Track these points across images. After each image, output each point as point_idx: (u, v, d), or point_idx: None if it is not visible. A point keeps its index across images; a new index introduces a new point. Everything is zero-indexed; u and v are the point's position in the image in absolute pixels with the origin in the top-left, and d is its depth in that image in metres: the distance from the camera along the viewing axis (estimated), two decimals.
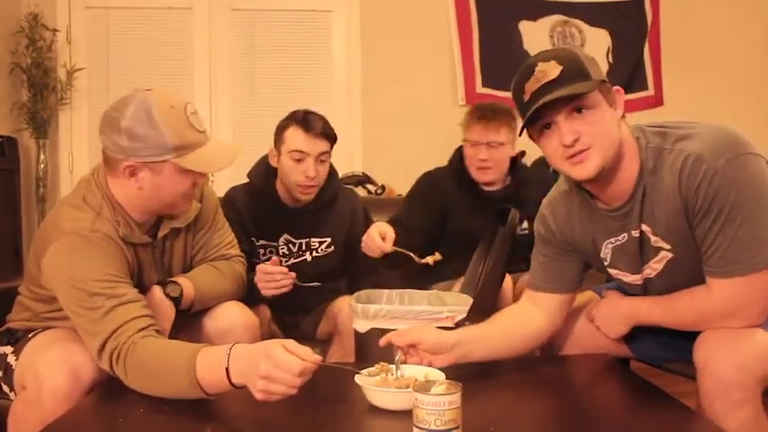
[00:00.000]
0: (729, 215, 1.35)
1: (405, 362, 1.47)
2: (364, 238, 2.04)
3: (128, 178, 1.53)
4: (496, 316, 1.71)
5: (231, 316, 1.77)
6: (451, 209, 2.46)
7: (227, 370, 1.27)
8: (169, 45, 3.88)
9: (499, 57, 3.99)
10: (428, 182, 2.53)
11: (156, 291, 1.67)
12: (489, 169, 2.43)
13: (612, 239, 1.55)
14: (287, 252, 2.27)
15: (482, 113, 2.44)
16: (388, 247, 1.98)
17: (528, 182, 2.51)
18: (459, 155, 2.54)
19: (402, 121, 3.88)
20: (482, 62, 3.99)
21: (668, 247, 1.47)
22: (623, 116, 1.45)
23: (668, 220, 1.43)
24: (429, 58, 3.95)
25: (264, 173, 2.27)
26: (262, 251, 2.25)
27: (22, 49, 3.60)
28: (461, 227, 2.42)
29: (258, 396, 1.24)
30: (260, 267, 1.96)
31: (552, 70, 1.39)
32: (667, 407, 1.36)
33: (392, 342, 1.50)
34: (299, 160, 2.14)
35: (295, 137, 2.15)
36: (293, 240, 2.27)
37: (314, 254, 2.30)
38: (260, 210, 2.24)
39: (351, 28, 3.94)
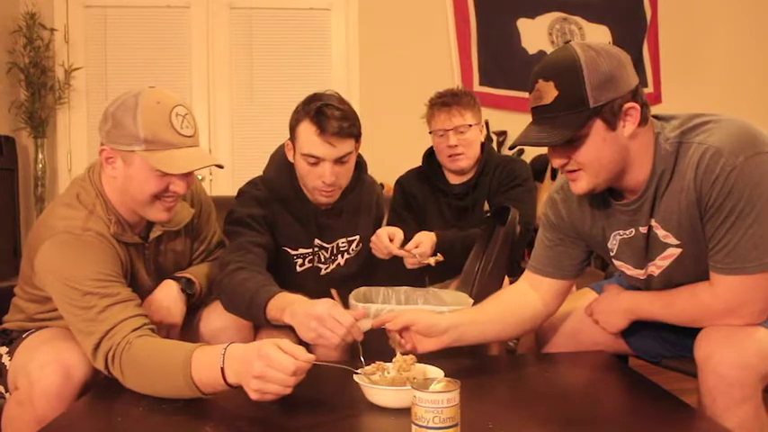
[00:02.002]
0: (742, 212, 1.34)
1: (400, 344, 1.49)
2: (373, 238, 2.00)
3: (105, 164, 1.54)
4: (492, 298, 1.71)
5: (223, 317, 1.76)
6: (423, 212, 2.43)
7: (222, 370, 1.27)
8: (167, 43, 3.88)
9: (497, 55, 4.00)
10: (401, 189, 2.48)
11: (173, 285, 1.68)
12: (461, 155, 2.33)
13: (621, 231, 1.54)
14: (324, 258, 2.05)
15: (443, 100, 2.35)
16: (395, 249, 1.96)
17: (490, 171, 2.40)
18: (427, 154, 2.50)
19: (400, 119, 3.86)
20: (480, 60, 4.00)
21: (677, 242, 1.46)
22: (640, 123, 1.39)
23: (681, 214, 1.42)
24: (427, 56, 3.96)
25: (285, 171, 1.98)
26: (300, 261, 2.01)
27: (20, 49, 3.60)
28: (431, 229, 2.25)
29: (252, 396, 1.24)
30: (330, 311, 1.47)
31: (548, 93, 1.36)
32: (667, 404, 1.36)
33: (386, 327, 1.50)
34: (313, 164, 1.84)
35: (307, 137, 1.82)
36: (325, 245, 2.04)
37: (345, 256, 2.08)
38: (289, 214, 1.99)
39: (349, 26, 3.95)
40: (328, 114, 1.79)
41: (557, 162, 1.43)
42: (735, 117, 1.42)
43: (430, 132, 2.41)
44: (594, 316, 1.67)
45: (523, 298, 1.68)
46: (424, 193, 2.44)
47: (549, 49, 4.06)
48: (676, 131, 1.42)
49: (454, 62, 3.98)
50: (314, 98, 1.85)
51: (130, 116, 1.48)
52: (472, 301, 1.84)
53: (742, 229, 1.35)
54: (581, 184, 1.44)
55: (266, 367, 1.21)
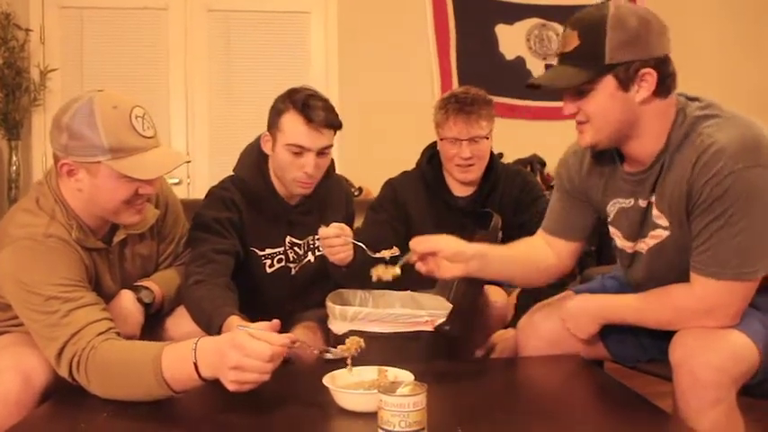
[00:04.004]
0: (731, 219, 1.34)
1: (414, 263, 1.54)
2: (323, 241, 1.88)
3: (67, 178, 1.50)
4: (516, 243, 1.75)
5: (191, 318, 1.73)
6: (417, 223, 2.22)
7: (195, 364, 1.25)
8: (144, 46, 3.83)
9: (475, 59, 4.01)
10: (392, 192, 2.29)
11: (128, 295, 1.64)
12: (473, 166, 2.19)
13: (620, 200, 1.55)
14: (294, 257, 2.04)
15: (460, 106, 2.14)
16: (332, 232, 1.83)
17: (500, 184, 2.29)
18: (427, 156, 2.32)
19: (379, 122, 3.87)
20: (458, 64, 4.00)
21: (666, 224, 1.47)
22: (657, 93, 1.40)
23: (672, 199, 1.43)
24: (406, 60, 3.95)
25: (257, 167, 1.99)
26: (269, 262, 2.01)
27: None
28: None
29: (231, 387, 1.23)
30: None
31: (571, 42, 1.41)
32: (638, 407, 1.36)
33: (411, 247, 1.54)
34: (297, 154, 1.87)
35: (294, 128, 1.85)
36: (298, 242, 2.04)
37: (316, 253, 2.06)
38: (259, 213, 1.98)
39: (328, 30, 3.93)
40: (315, 105, 1.85)
41: (567, 109, 1.47)
42: (749, 117, 1.42)
43: (441, 139, 2.21)
44: (565, 322, 1.66)
45: (540, 250, 1.72)
46: (420, 201, 2.26)
47: (526, 55, 4.09)
48: (693, 114, 1.42)
49: (434, 67, 3.97)
50: (296, 91, 1.90)
51: (88, 126, 1.43)
52: (451, 305, 1.82)
53: (728, 236, 1.35)
54: (585, 137, 1.48)
55: (243, 357, 1.20)
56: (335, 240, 1.79)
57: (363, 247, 1.78)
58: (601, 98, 1.41)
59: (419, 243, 1.54)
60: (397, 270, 1.55)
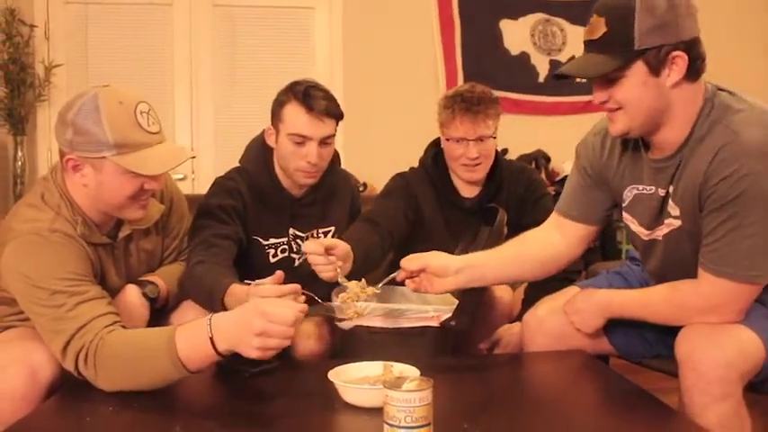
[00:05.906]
0: (745, 221, 1.33)
1: (402, 280, 1.59)
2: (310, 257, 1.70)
3: (73, 173, 1.50)
4: (514, 239, 1.74)
5: (196, 311, 1.71)
6: (427, 219, 2.20)
7: (211, 339, 1.27)
8: (149, 41, 3.85)
9: (480, 54, 4.02)
10: (405, 183, 2.23)
11: (134, 290, 1.64)
12: (479, 165, 2.13)
13: (639, 186, 1.53)
14: (298, 248, 2.03)
15: (467, 105, 2.08)
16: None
17: (505, 183, 2.24)
18: (432, 155, 2.26)
19: (384, 118, 3.87)
20: (463, 60, 4.01)
21: (677, 214, 1.45)
22: (687, 76, 1.37)
23: (686, 190, 1.41)
24: (411, 56, 3.96)
25: (262, 160, 2.01)
26: (272, 251, 2.01)
27: None
28: (435, 245, 1.85)
29: (253, 354, 1.25)
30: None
31: (598, 29, 1.38)
32: (644, 403, 1.35)
33: (401, 266, 1.57)
34: (299, 143, 1.89)
35: (296, 117, 1.88)
36: (301, 234, 2.04)
37: None
38: (263, 204, 1.99)
39: (333, 25, 3.94)
40: (315, 95, 1.88)
41: (598, 98, 1.44)
42: None
43: (447, 139, 2.15)
44: (569, 316, 1.66)
45: (546, 239, 1.69)
46: (428, 199, 2.21)
47: (531, 51, 4.09)
48: (721, 105, 1.40)
49: (438, 62, 3.98)
50: (298, 83, 1.93)
51: (94, 121, 1.43)
52: (457, 301, 1.81)
53: (740, 237, 1.34)
54: (618, 126, 1.44)
55: (268, 323, 1.24)
56: (318, 258, 1.65)
57: (339, 273, 1.63)
58: (632, 85, 1.37)
59: (409, 261, 1.56)
60: (375, 290, 1.55)
